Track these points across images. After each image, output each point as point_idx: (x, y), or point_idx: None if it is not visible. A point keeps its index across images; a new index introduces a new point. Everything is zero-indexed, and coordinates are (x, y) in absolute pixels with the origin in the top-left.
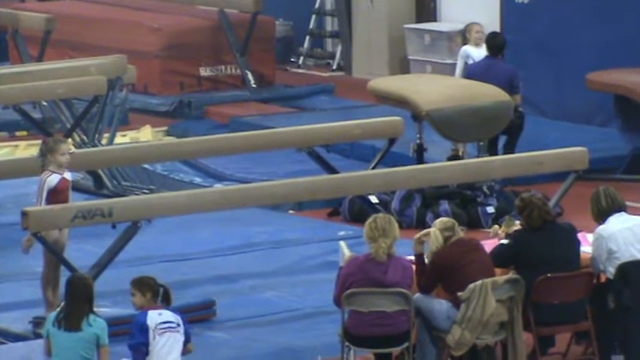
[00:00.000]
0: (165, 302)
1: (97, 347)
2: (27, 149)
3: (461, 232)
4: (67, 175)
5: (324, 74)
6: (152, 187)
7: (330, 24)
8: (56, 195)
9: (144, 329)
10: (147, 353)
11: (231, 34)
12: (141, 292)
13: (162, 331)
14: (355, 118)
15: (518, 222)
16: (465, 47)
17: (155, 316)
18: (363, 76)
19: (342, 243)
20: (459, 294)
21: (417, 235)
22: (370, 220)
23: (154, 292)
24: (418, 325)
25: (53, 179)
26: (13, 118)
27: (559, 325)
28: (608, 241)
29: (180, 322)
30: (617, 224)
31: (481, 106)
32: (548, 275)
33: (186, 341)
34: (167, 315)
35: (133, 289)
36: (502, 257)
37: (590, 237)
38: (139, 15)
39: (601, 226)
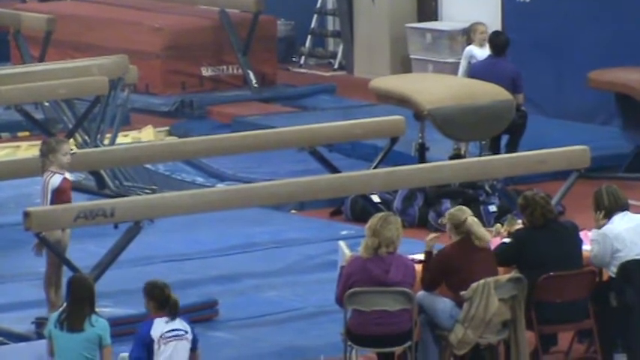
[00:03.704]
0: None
1: (100, 347)
2: (29, 150)
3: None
4: (68, 175)
5: (325, 74)
6: (154, 187)
7: (332, 23)
8: (60, 195)
9: (145, 342)
10: None
11: (233, 34)
12: (146, 299)
13: (168, 340)
14: (357, 117)
15: (520, 221)
16: (469, 47)
17: (161, 325)
18: (365, 75)
19: (341, 243)
20: (462, 293)
21: (431, 236)
22: (373, 217)
23: (157, 303)
24: (421, 324)
25: (56, 179)
26: (14, 118)
27: (561, 324)
28: (614, 241)
29: (189, 329)
30: (623, 224)
31: (483, 105)
32: (551, 274)
33: (193, 348)
34: (175, 322)
35: (143, 293)
36: (504, 256)
37: (590, 235)
38: (141, 15)
39: (606, 226)
